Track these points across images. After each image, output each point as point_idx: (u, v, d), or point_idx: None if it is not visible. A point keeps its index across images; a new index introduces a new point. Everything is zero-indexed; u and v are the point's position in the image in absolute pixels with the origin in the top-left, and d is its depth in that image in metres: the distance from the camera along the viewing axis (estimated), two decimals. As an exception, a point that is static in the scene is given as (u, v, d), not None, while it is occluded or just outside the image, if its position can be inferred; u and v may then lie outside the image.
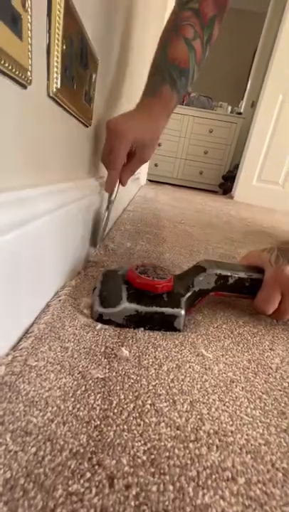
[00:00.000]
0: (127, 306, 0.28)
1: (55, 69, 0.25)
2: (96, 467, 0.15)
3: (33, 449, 0.15)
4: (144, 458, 0.16)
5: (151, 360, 0.24)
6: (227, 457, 0.17)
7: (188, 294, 0.31)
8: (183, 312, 0.29)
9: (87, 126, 0.39)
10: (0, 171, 0.20)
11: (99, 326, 0.28)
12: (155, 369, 0.23)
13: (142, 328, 0.28)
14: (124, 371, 0.22)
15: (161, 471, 0.15)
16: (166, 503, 0.14)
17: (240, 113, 2.77)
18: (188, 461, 0.16)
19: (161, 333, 0.28)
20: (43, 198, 0.24)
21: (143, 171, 2.06)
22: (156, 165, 2.78)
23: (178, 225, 0.84)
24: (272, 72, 1.74)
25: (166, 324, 0.29)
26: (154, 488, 0.14)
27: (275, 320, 0.34)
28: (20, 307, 0.23)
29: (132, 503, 0.14)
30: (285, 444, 0.18)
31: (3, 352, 0.21)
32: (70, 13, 0.25)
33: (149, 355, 0.25)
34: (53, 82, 0.25)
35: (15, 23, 0.17)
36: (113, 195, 0.47)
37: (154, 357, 0.25)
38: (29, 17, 0.19)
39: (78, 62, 0.30)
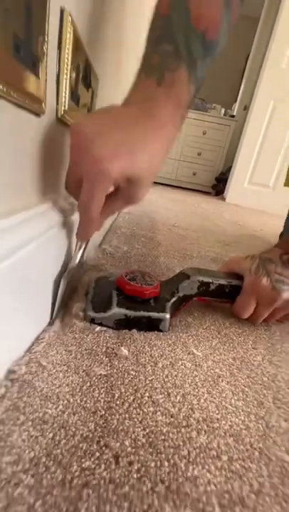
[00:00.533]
0: (116, 311, 0.30)
1: (64, 94, 0.27)
2: (103, 448, 0.18)
3: (51, 435, 0.18)
4: (144, 440, 0.19)
5: (147, 358, 0.27)
6: (213, 439, 0.20)
7: (173, 299, 0.34)
8: (168, 316, 0.32)
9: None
10: (20, 192, 0.23)
11: (98, 328, 0.30)
12: (151, 366, 0.26)
13: (136, 330, 0.31)
14: (124, 368, 0.25)
15: (158, 451, 0.18)
16: (163, 475, 0.17)
17: (233, 116, 2.82)
18: (181, 443, 0.19)
19: (155, 333, 0.31)
20: (52, 213, 0.27)
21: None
22: (150, 165, 2.80)
23: (172, 228, 0.87)
24: (264, 79, 1.78)
25: (152, 327, 0.31)
26: (152, 464, 0.17)
27: (250, 322, 0.38)
28: (32, 318, 0.25)
29: (135, 476, 0.17)
30: (262, 428, 0.22)
31: (20, 354, 0.23)
32: (77, 43, 0.28)
33: (145, 354, 0.28)
34: (62, 106, 0.27)
35: (35, 65, 0.20)
36: (75, 262, 0.31)
37: (150, 355, 0.28)
38: (45, 57, 0.21)
39: (83, 83, 0.33)
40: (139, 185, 0.26)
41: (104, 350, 0.27)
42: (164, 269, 0.52)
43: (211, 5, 0.26)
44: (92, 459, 0.17)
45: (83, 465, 0.17)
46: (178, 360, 0.28)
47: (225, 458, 0.19)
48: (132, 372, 0.25)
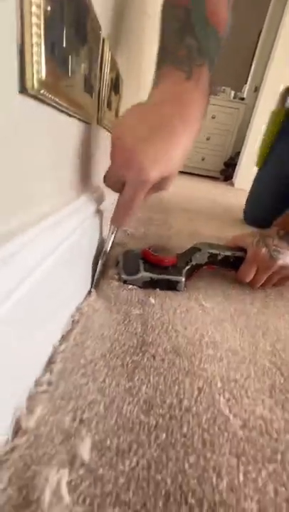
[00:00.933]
0: (144, 274, 0.39)
1: (103, 103, 0.35)
2: (144, 352, 0.27)
3: (109, 344, 0.27)
4: (171, 349, 0.28)
5: (169, 306, 0.36)
6: (217, 352, 0.29)
7: (188, 267, 0.42)
8: (183, 279, 0.40)
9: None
10: (76, 184, 0.31)
11: (130, 286, 0.39)
12: (172, 311, 0.35)
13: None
14: (152, 311, 0.34)
15: (180, 355, 0.28)
16: (184, 366, 0.26)
17: (242, 98, 2.77)
18: (195, 352, 0.28)
19: (174, 292, 0.40)
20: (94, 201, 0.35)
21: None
22: (158, 151, 2.82)
23: (182, 212, 0.95)
24: (274, 62, 1.77)
25: (171, 287, 0.40)
26: (177, 361, 0.27)
27: (250, 286, 0.46)
28: (84, 280, 0.34)
29: (166, 365, 0.26)
30: (252, 349, 0.31)
31: (80, 301, 0.33)
32: (112, 63, 0.35)
33: (167, 304, 0.37)
34: (101, 113, 0.35)
35: (91, 91, 0.27)
36: (109, 245, 0.38)
37: (171, 304, 0.37)
38: (96, 82, 0.29)
39: (114, 91, 0.40)
40: (169, 179, 0.31)
41: (136, 300, 0.36)
42: (176, 245, 0.60)
43: (221, 3, 0.31)
44: (138, 356, 0.26)
45: (133, 358, 0.26)
46: (191, 308, 0.37)
47: (225, 361, 0.28)
48: (158, 313, 0.34)
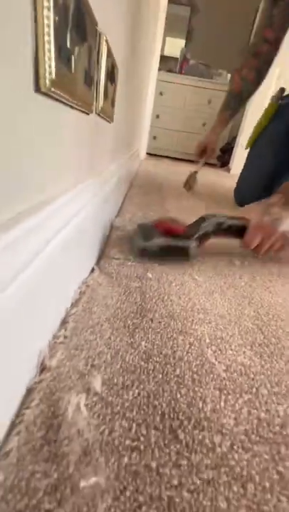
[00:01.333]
0: (159, 240, 0.44)
1: (100, 95, 0.38)
2: (143, 316, 0.31)
3: (112, 310, 0.32)
4: (166, 314, 0.32)
5: (165, 280, 0.40)
6: (207, 316, 0.33)
7: (196, 235, 0.47)
8: (194, 244, 0.45)
9: (110, 123, 0.52)
10: (84, 172, 0.34)
11: (129, 263, 0.43)
12: (168, 284, 0.39)
13: (157, 264, 0.44)
14: (150, 284, 0.38)
15: (175, 319, 0.32)
16: (178, 327, 0.30)
17: (239, 81, 2.73)
18: (188, 317, 0.33)
19: (169, 267, 0.44)
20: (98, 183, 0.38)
21: (142, 145, 2.12)
22: (154, 137, 2.80)
23: (178, 197, 0.98)
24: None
25: (183, 253, 0.45)
26: (172, 323, 0.31)
27: (255, 253, 0.50)
28: (87, 258, 0.38)
29: (162, 327, 0.30)
30: (238, 314, 0.35)
31: (86, 275, 0.36)
32: (109, 53, 0.37)
33: (164, 278, 0.41)
34: (99, 104, 0.38)
35: (91, 83, 0.30)
36: (201, 164, 1.14)
37: (167, 279, 0.41)
38: (96, 75, 0.31)
39: (110, 81, 0.42)
40: (213, 145, 1.13)
41: (135, 275, 0.40)
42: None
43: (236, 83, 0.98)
44: (138, 319, 0.31)
45: (134, 321, 0.30)
46: (185, 282, 0.41)
47: (214, 324, 0.32)
48: (155, 286, 0.38)
